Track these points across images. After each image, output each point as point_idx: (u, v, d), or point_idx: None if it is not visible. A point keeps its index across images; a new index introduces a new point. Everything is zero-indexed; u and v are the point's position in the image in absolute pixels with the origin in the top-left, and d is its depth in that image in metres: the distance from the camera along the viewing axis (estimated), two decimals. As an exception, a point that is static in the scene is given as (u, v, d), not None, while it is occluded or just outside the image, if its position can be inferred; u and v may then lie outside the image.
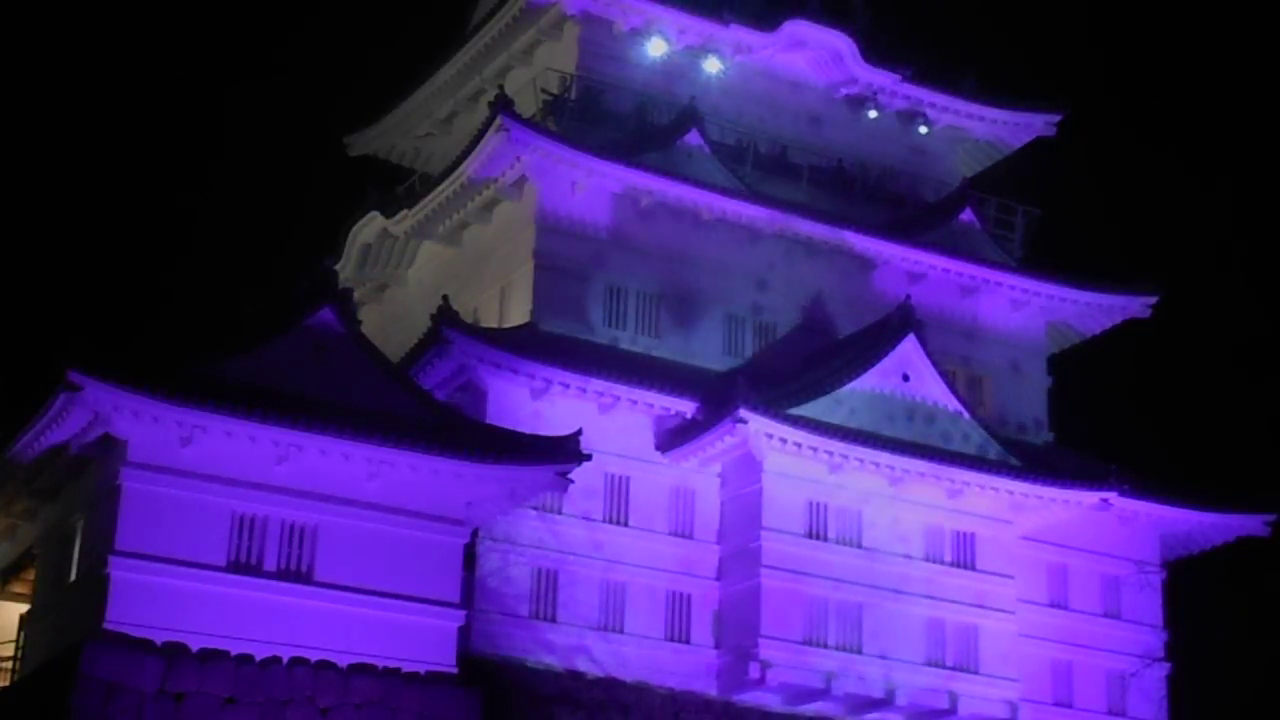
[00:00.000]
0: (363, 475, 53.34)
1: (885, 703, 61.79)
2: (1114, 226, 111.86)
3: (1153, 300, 74.49)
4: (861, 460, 62.17)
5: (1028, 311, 73.25)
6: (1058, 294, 72.98)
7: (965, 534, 64.43)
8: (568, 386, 60.71)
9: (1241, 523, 71.04)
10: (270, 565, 52.06)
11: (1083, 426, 75.85)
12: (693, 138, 68.31)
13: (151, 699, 48.47)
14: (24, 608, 57.32)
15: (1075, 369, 77.59)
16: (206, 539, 51.24)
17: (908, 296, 67.19)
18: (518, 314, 64.87)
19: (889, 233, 70.52)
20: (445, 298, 60.47)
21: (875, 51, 74.61)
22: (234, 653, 50.03)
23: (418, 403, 55.38)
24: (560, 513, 60.40)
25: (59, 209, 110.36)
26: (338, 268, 69.77)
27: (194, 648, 49.68)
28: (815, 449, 61.50)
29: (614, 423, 61.70)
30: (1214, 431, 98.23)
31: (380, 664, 51.99)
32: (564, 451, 55.46)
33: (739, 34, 72.62)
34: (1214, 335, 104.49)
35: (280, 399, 52.08)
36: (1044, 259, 74.23)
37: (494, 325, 65.14)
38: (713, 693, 61.09)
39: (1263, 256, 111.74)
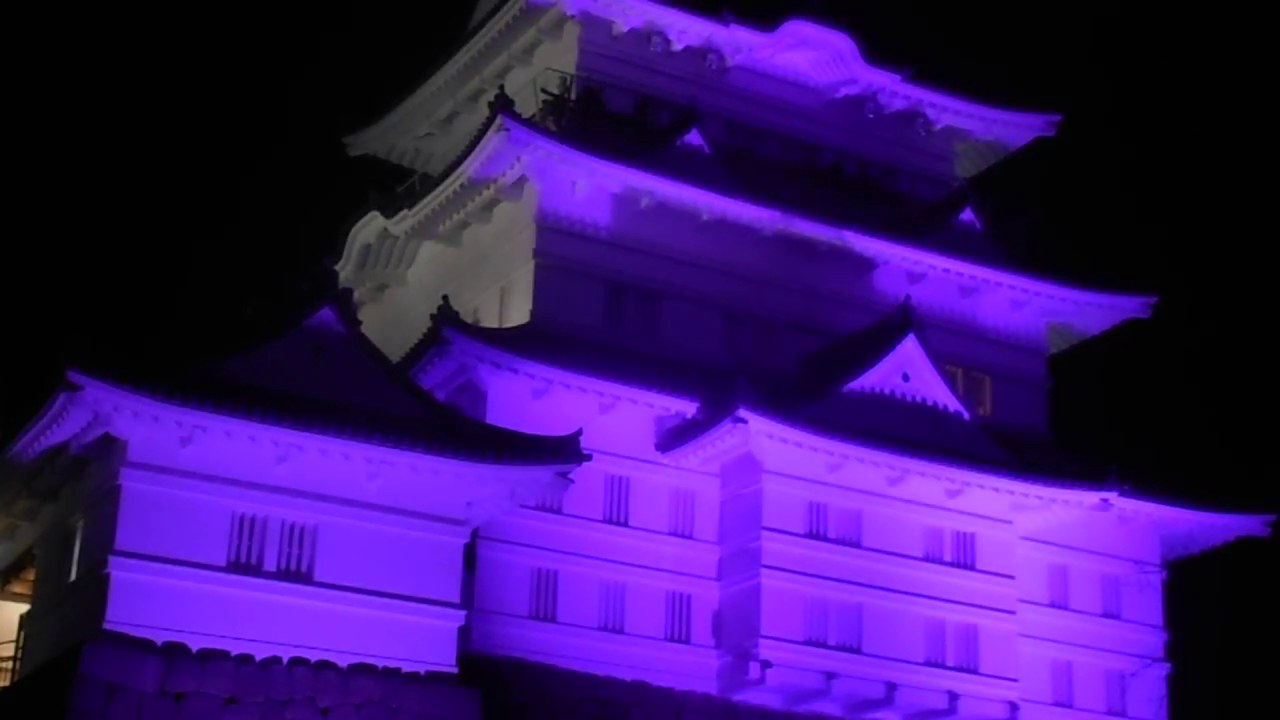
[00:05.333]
0: (363, 475, 53.33)
1: (885, 703, 61.79)
2: (1114, 226, 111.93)
3: (1153, 300, 74.52)
4: (861, 460, 62.17)
5: (1028, 311, 73.27)
6: (1058, 294, 73.00)
7: (965, 534, 64.42)
8: (568, 386, 60.72)
9: (1241, 523, 71.04)
10: (270, 565, 52.05)
11: (1083, 426, 75.93)
12: (693, 138, 68.30)
13: (151, 699, 48.44)
14: (24, 608, 57.30)
15: (1075, 369, 77.69)
16: (206, 539, 51.23)
17: (908, 296, 67.22)
18: (518, 314, 64.88)
19: (889, 233, 70.50)
20: (445, 298, 60.47)
21: (876, 51, 74.61)
22: (234, 653, 49.99)
23: (418, 403, 55.38)
24: (560, 513, 60.42)
25: (60, 209, 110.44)
26: (338, 268, 69.86)
27: (194, 648, 49.66)
28: (815, 449, 61.49)
29: (614, 422, 61.70)
30: (1214, 431, 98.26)
31: (380, 664, 51.97)
32: (564, 451, 55.45)
33: (739, 34, 72.62)
34: (1214, 335, 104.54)
35: (280, 399, 52.07)
36: (1044, 259, 74.22)
37: (494, 325, 65.15)
38: (713, 693, 61.06)
39: (1262, 256, 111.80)
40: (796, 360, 66.94)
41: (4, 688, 55.54)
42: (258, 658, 50.23)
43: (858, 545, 62.64)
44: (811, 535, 62.06)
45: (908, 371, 64.57)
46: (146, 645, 48.99)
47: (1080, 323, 74.81)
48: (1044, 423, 72.80)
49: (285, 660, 50.53)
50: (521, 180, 65.72)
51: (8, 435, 52.99)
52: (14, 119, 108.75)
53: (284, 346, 53.87)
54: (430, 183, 69.88)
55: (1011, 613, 64.62)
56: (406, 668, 52.28)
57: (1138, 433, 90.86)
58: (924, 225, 72.17)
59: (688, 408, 62.30)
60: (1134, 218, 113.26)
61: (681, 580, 62.10)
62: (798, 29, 73.18)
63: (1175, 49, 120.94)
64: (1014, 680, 63.91)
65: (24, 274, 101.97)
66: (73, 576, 52.92)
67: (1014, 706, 63.50)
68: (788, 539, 61.44)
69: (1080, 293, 73.41)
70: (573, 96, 69.61)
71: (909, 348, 64.64)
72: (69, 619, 51.85)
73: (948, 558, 64.09)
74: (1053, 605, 68.03)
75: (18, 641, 56.84)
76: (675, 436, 62.31)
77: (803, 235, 68.77)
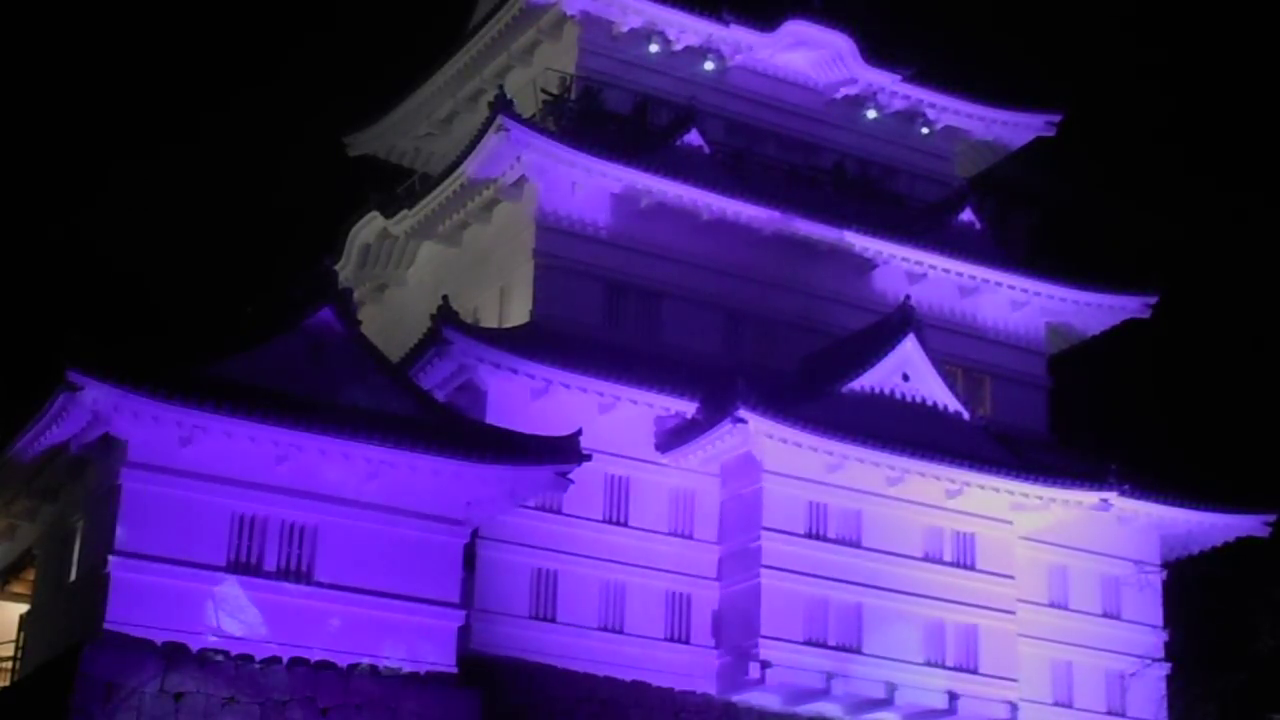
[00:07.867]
0: (363, 475, 53.31)
1: (885, 703, 61.77)
2: (1114, 226, 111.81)
3: (1153, 300, 74.55)
4: (861, 460, 62.16)
5: (1028, 311, 73.29)
6: (1058, 294, 73.04)
7: (965, 534, 64.42)
8: (568, 386, 60.71)
9: (1241, 523, 71.04)
10: (270, 565, 52.03)
11: (1083, 426, 75.88)
12: (692, 138, 68.34)
13: (151, 699, 48.46)
14: (24, 608, 57.30)
15: (1075, 369, 77.60)
16: (206, 539, 51.20)
17: (908, 296, 67.24)
18: (518, 314, 64.89)
19: (889, 233, 70.50)
20: (445, 298, 60.46)
21: (875, 51, 74.63)
22: (234, 653, 50.01)
23: (418, 403, 55.37)
24: (560, 513, 60.40)
25: (59, 209, 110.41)
26: (338, 268, 69.81)
27: (194, 648, 49.67)
28: (815, 449, 61.49)
29: (614, 422, 61.68)
30: (1214, 431, 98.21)
31: (380, 664, 52.00)
32: (564, 451, 55.43)
33: (739, 34, 72.63)
34: (1214, 335, 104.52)
35: (280, 399, 52.05)
36: (1044, 259, 74.23)
37: (494, 325, 65.16)
38: (713, 693, 61.06)
39: (1263, 256, 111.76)
40: (796, 360, 66.94)
41: (4, 688, 55.56)
42: (258, 658, 50.24)
43: (858, 545, 62.65)
44: (811, 535, 62.06)
45: (908, 371, 64.59)
46: (146, 645, 48.99)
47: (1080, 323, 74.83)
48: (1044, 423, 72.81)
49: (285, 660, 50.54)
50: (521, 180, 65.74)
51: (8, 435, 52.96)
52: (14, 118, 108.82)
53: (284, 346, 53.83)
54: (430, 183, 69.93)
55: (1011, 613, 64.62)
56: (406, 668, 52.30)
57: (1138, 433, 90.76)
58: (924, 225, 72.20)
59: (688, 408, 62.29)
60: (1134, 218, 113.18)
61: (681, 580, 62.09)
62: (797, 29, 73.21)
63: (1175, 47, 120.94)
64: (1014, 680, 63.91)
65: (24, 273, 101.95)
66: (73, 576, 52.91)
67: (1014, 706, 63.50)
68: (788, 539, 61.44)
69: (1080, 293, 73.44)
70: (572, 96, 69.64)
71: (909, 348, 64.65)
72: (69, 619, 51.84)
73: (948, 558, 64.10)
74: (1053, 605, 68.01)
75: (18, 641, 56.82)
76: (675, 436, 62.31)
77: (803, 235, 68.78)
